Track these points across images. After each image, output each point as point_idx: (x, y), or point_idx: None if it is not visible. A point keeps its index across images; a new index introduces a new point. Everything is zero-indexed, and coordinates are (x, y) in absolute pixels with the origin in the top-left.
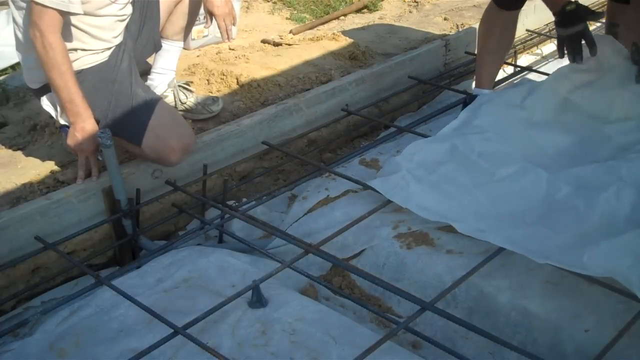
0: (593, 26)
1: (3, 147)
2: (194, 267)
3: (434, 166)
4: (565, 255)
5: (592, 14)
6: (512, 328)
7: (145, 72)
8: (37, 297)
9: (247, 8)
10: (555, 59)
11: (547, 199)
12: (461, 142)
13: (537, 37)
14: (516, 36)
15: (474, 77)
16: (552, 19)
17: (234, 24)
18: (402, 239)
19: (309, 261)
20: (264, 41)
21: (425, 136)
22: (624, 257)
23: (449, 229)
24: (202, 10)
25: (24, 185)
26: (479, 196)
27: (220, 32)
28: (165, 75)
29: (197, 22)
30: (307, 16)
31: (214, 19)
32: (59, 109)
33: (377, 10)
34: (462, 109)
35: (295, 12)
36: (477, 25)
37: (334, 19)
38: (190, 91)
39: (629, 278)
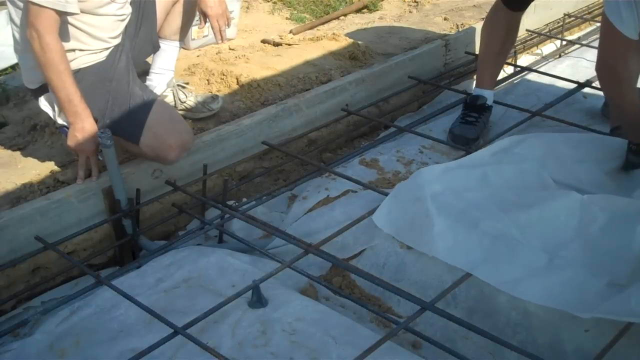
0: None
1: (3, 147)
2: (194, 267)
3: (462, 192)
4: (611, 303)
5: None
6: (512, 328)
7: (145, 72)
8: (37, 297)
9: (247, 8)
10: (555, 59)
11: (581, 231)
12: (493, 171)
13: (537, 37)
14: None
15: (475, 77)
16: (552, 18)
17: (228, 25)
18: None
19: (309, 261)
20: (264, 41)
21: (425, 136)
22: None
23: None
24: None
25: (24, 185)
26: (509, 226)
27: (214, 33)
28: (164, 75)
29: (195, 23)
30: (307, 16)
31: (208, 20)
32: (56, 108)
33: (377, 10)
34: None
35: (295, 12)
36: (477, 25)
37: (334, 19)
38: (190, 90)
39: None
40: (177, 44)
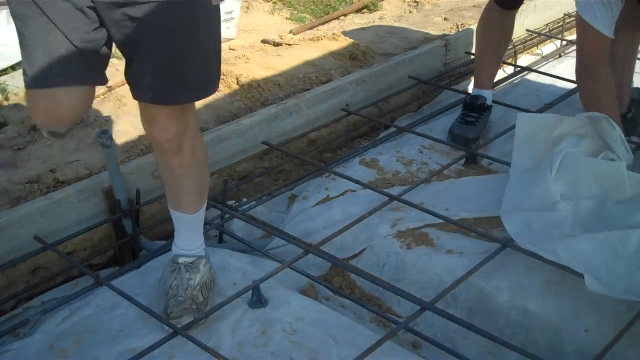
0: None
1: (3, 147)
2: None
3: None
4: (546, 244)
5: None
6: (512, 328)
7: None
8: (37, 297)
9: (247, 8)
10: (555, 59)
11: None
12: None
13: (537, 37)
14: (516, 36)
15: (473, 78)
16: (552, 18)
17: None
18: (402, 239)
19: (308, 261)
20: (264, 41)
21: (425, 136)
22: (599, 252)
23: (449, 228)
24: None
25: (24, 185)
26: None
27: None
28: None
29: None
30: (307, 16)
31: None
32: None
33: (377, 10)
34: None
35: (295, 12)
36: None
37: (334, 19)
38: None
39: (597, 272)
40: None
